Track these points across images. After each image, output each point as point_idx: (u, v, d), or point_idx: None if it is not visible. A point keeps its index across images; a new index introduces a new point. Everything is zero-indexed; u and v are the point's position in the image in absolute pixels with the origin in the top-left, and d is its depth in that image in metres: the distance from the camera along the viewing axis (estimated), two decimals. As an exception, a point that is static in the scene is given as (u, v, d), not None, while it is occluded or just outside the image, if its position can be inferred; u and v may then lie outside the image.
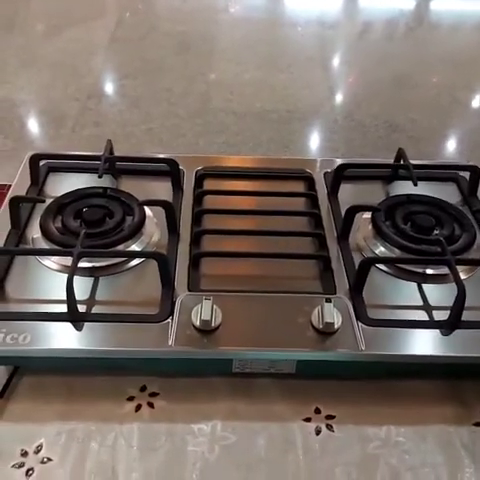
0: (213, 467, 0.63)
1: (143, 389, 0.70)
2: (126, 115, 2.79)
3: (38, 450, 0.63)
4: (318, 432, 0.67)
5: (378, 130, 2.90)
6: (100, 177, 0.82)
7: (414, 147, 2.66)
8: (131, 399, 0.69)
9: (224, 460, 0.64)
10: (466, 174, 0.93)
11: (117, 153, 0.92)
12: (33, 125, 2.35)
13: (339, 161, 0.95)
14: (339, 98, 3.23)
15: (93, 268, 0.74)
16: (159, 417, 0.67)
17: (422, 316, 0.72)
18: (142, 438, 0.65)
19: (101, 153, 0.87)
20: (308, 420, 0.68)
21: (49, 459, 0.63)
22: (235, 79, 3.16)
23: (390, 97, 3.14)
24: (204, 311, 0.66)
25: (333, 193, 0.89)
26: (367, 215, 0.84)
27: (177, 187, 0.88)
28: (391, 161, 0.95)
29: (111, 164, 0.89)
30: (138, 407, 0.68)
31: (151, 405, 0.68)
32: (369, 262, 0.73)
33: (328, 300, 0.68)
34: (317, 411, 0.69)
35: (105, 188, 0.84)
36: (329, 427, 0.67)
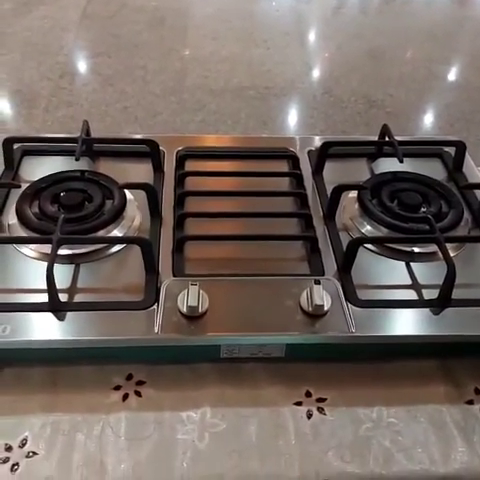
0: (204, 455, 0.62)
1: (129, 377, 0.68)
2: (100, 94, 2.74)
3: (23, 444, 0.61)
4: (309, 416, 0.66)
5: (357, 105, 2.88)
6: (77, 160, 0.79)
7: (393, 123, 2.65)
8: (117, 388, 0.67)
9: (215, 448, 0.62)
10: (451, 149, 0.92)
11: (93, 134, 0.89)
12: (5, 106, 2.27)
13: (321, 139, 0.93)
14: (316, 74, 3.20)
15: (73, 255, 0.71)
16: (147, 406, 0.65)
17: (412, 295, 0.71)
18: (130, 428, 0.63)
19: (77, 135, 0.84)
20: (299, 404, 0.67)
21: (34, 453, 0.61)
22: (211, 55, 3.11)
23: (367, 72, 3.12)
24: (191, 297, 0.64)
25: (318, 172, 0.87)
26: (353, 194, 0.82)
27: (158, 169, 0.85)
28: (374, 137, 0.93)
29: (88, 146, 0.86)
30: (125, 396, 0.66)
31: (138, 394, 0.66)
32: (357, 242, 0.71)
33: (317, 282, 0.67)
34: (308, 394, 0.68)
35: (83, 171, 0.81)
36: (320, 410, 0.66)
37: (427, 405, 0.67)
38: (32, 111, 2.54)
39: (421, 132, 2.63)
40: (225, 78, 2.77)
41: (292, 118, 2.69)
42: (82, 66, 2.94)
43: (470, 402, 0.68)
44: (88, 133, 0.86)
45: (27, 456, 0.60)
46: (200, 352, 0.67)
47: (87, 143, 0.85)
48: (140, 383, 0.67)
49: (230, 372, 0.69)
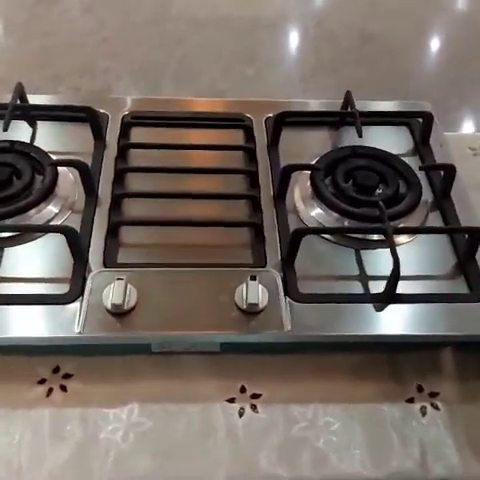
0: (127, 456, 0.60)
1: (56, 370, 0.65)
2: (79, 23, 2.59)
3: None
4: (241, 414, 0.63)
5: (350, 40, 2.73)
6: (5, 130, 0.73)
7: (389, 60, 2.49)
8: (42, 382, 0.64)
9: (139, 448, 0.60)
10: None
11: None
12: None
13: (283, 103, 0.87)
14: (309, 2, 3.01)
15: (-3, 239, 0.67)
16: (72, 402, 0.63)
17: (356, 288, 0.67)
18: (52, 426, 0.61)
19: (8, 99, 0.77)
20: (232, 400, 0.64)
21: None
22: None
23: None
24: (116, 293, 0.60)
25: (273, 144, 0.81)
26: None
27: (98, 138, 0.79)
28: (339, 101, 0.86)
29: (24, 111, 0.79)
30: (49, 391, 0.63)
31: (64, 388, 0.64)
32: (301, 233, 0.66)
33: (253, 278, 0.62)
34: (242, 390, 0.65)
35: (13, 142, 0.74)
36: (253, 407, 0.64)
37: (366, 403, 0.65)
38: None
39: (417, 70, 2.51)
40: (211, 7, 2.62)
41: (280, 55, 2.56)
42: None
43: (410, 400, 0.65)
44: (22, 97, 0.79)
45: None
46: (129, 348, 0.64)
47: (22, 110, 0.78)
48: (67, 376, 0.64)
49: (164, 365, 0.66)
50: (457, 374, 0.67)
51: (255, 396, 0.65)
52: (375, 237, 0.71)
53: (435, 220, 0.75)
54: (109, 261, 0.66)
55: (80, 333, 0.60)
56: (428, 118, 0.82)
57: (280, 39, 2.64)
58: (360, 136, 0.78)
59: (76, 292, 0.62)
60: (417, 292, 0.66)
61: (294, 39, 2.68)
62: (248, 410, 0.64)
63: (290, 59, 2.58)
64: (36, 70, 2.18)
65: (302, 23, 2.74)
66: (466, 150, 0.93)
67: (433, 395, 0.66)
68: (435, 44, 2.75)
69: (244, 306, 0.62)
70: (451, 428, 0.63)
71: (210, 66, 2.23)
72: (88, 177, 0.71)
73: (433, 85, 2.46)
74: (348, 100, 0.83)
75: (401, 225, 0.71)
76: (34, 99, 0.83)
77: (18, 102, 0.79)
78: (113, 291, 0.60)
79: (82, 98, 1.08)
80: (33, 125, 0.81)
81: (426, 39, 2.74)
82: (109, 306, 0.60)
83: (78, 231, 0.65)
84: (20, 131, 0.79)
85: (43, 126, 0.81)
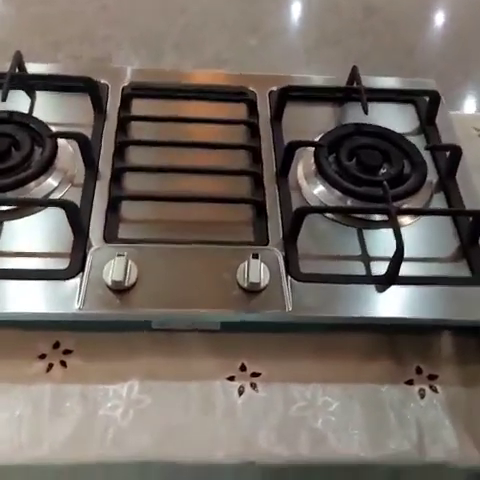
0: (126, 434, 0.60)
1: (56, 346, 0.64)
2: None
3: None
4: (241, 392, 0.63)
5: (354, 12, 2.67)
6: (3, 100, 0.71)
7: (393, 33, 2.44)
8: (42, 357, 0.63)
9: (139, 425, 0.60)
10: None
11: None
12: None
13: (287, 78, 0.85)
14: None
15: (-4, 212, 0.66)
16: (72, 378, 0.62)
17: (358, 268, 0.66)
18: (52, 402, 0.61)
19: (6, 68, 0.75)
20: (232, 379, 0.64)
21: None
22: None
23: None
24: (116, 270, 0.59)
25: (277, 119, 0.80)
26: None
27: (98, 109, 0.77)
28: (344, 77, 0.85)
29: (23, 81, 0.78)
30: (49, 366, 0.63)
31: (64, 364, 0.63)
32: (303, 212, 0.66)
33: (255, 256, 0.62)
34: (242, 368, 0.65)
35: (11, 113, 0.73)
36: (253, 386, 0.64)
37: (365, 384, 0.65)
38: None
39: (422, 43, 2.47)
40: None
41: (284, 25, 2.51)
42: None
43: (410, 382, 0.65)
44: (21, 66, 0.77)
45: None
46: (129, 324, 0.64)
47: (20, 79, 0.77)
48: (67, 352, 0.64)
49: (164, 342, 0.65)
50: (456, 358, 0.67)
51: (255, 375, 0.65)
52: (378, 217, 0.70)
53: (439, 201, 0.74)
54: (110, 236, 0.65)
55: (80, 309, 0.59)
56: (435, 97, 0.80)
57: (284, 9, 2.58)
58: (366, 113, 0.76)
59: (76, 268, 0.62)
60: (419, 274, 0.66)
61: (297, 9, 2.63)
62: (248, 388, 0.64)
63: (294, 30, 2.53)
64: (35, 38, 2.13)
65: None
66: (471, 130, 0.92)
67: (432, 378, 0.66)
68: (440, 17, 2.70)
69: (245, 285, 0.61)
70: (449, 411, 0.63)
71: (213, 35, 2.19)
72: (88, 150, 0.70)
73: (438, 59, 2.43)
74: (354, 75, 0.81)
75: (405, 206, 0.70)
76: (33, 68, 0.81)
77: (16, 71, 0.77)
78: (114, 267, 0.59)
79: (82, 68, 1.06)
80: (32, 95, 0.79)
81: (431, 12, 2.69)
82: (109, 282, 0.60)
83: (78, 205, 0.64)
84: (18, 101, 0.77)
85: (42, 96, 0.80)
